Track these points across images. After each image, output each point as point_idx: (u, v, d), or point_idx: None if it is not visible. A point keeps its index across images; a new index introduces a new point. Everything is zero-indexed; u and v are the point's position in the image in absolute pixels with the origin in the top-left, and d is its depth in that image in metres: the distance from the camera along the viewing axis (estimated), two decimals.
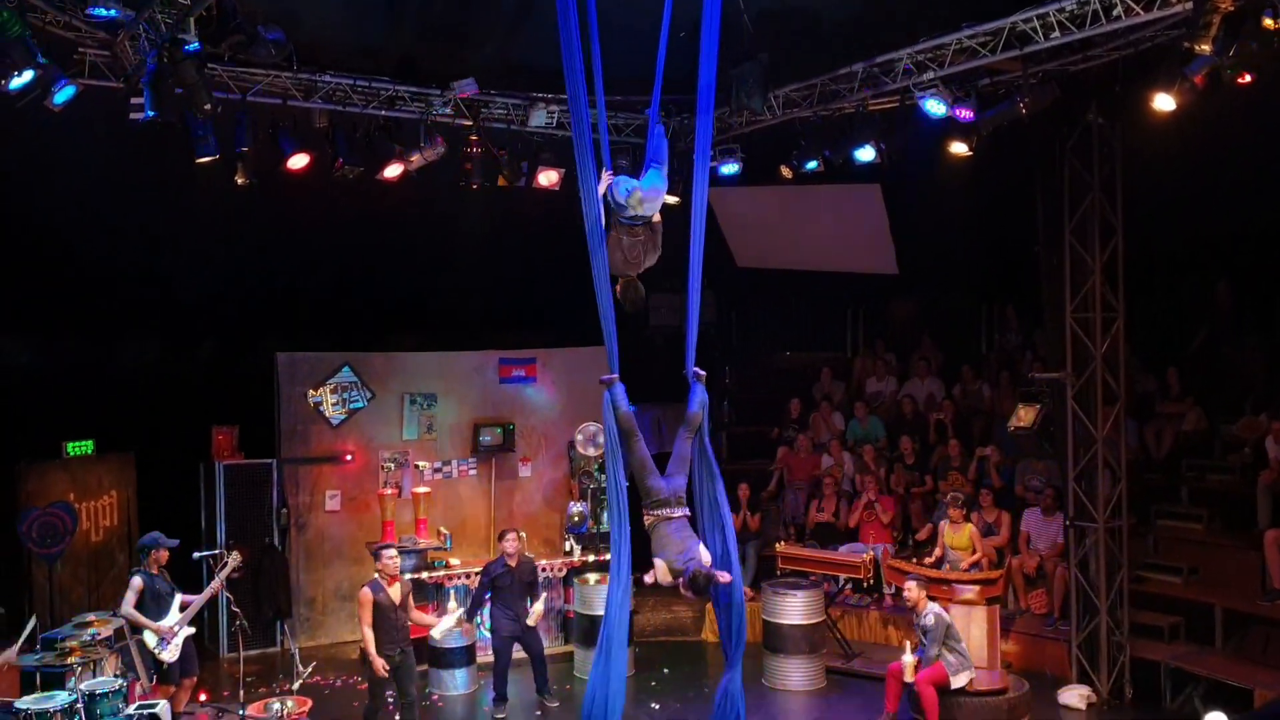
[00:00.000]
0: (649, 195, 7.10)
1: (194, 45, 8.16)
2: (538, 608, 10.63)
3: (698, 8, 7.08)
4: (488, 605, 10.87)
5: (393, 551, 9.40)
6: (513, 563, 10.68)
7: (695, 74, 7.24)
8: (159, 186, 11.13)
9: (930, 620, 9.78)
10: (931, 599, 10.00)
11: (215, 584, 9.73)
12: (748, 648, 11.23)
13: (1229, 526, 11.37)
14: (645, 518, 7.15)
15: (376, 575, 9.28)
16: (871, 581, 11.96)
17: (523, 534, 11.20)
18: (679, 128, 11.19)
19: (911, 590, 9.94)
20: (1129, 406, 11.25)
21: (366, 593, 9.15)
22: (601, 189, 7.08)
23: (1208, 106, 8.75)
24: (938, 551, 11.68)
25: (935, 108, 9.60)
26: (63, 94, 8.53)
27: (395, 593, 9.22)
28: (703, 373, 7.43)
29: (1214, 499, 11.58)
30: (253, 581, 12.45)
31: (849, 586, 12.28)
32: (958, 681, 9.72)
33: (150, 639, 9.35)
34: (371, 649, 9.07)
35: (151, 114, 8.56)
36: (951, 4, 9.21)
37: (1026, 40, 8.79)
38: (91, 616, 9.94)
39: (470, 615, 10.99)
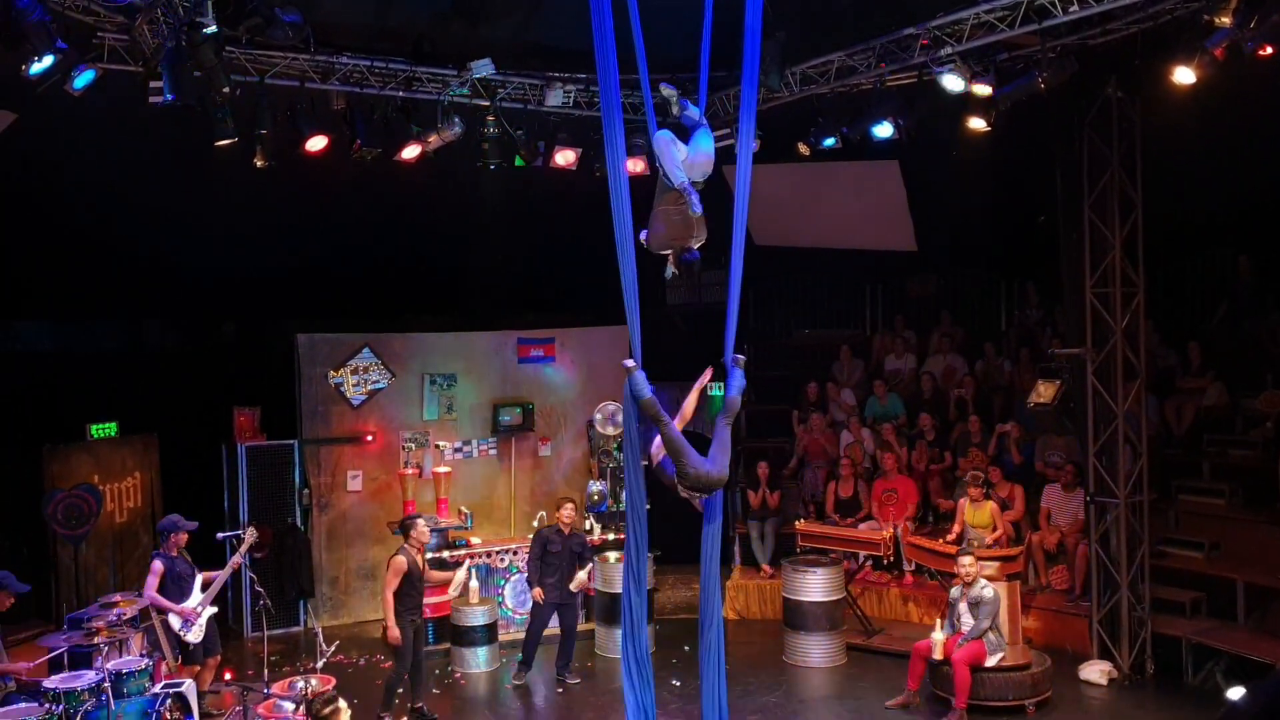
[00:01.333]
0: (702, 158, 7.04)
1: (212, 28, 8.17)
2: (581, 576, 10.81)
3: None
4: (510, 581, 11.02)
5: (424, 522, 10.00)
6: (566, 531, 10.96)
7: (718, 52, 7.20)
8: (179, 169, 11.17)
9: (989, 592, 9.75)
10: (950, 575, 10.00)
11: (234, 560, 9.84)
12: (767, 624, 11.35)
13: (1251, 501, 11.33)
14: (680, 491, 7.01)
15: (406, 545, 9.74)
16: (892, 558, 11.97)
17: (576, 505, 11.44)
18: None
19: (967, 564, 9.89)
20: (1149, 382, 11.21)
21: (401, 561, 9.61)
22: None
23: (1228, 79, 8.66)
24: (956, 528, 11.68)
25: (953, 83, 9.54)
26: (82, 78, 8.57)
27: (421, 561, 9.78)
28: (742, 358, 7.32)
29: (1235, 474, 11.55)
30: (275, 562, 12.59)
31: (869, 563, 12.29)
32: (992, 661, 9.73)
33: (175, 621, 9.45)
34: (391, 617, 9.55)
35: (170, 97, 8.56)
36: None
37: (1045, 14, 8.69)
38: (117, 597, 10.05)
39: (531, 581, 11.06)
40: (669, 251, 7.16)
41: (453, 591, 10.33)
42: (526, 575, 11.28)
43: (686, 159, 7.01)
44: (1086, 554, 11.00)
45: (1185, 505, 11.73)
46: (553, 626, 11.06)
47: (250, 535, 9.91)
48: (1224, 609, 10.77)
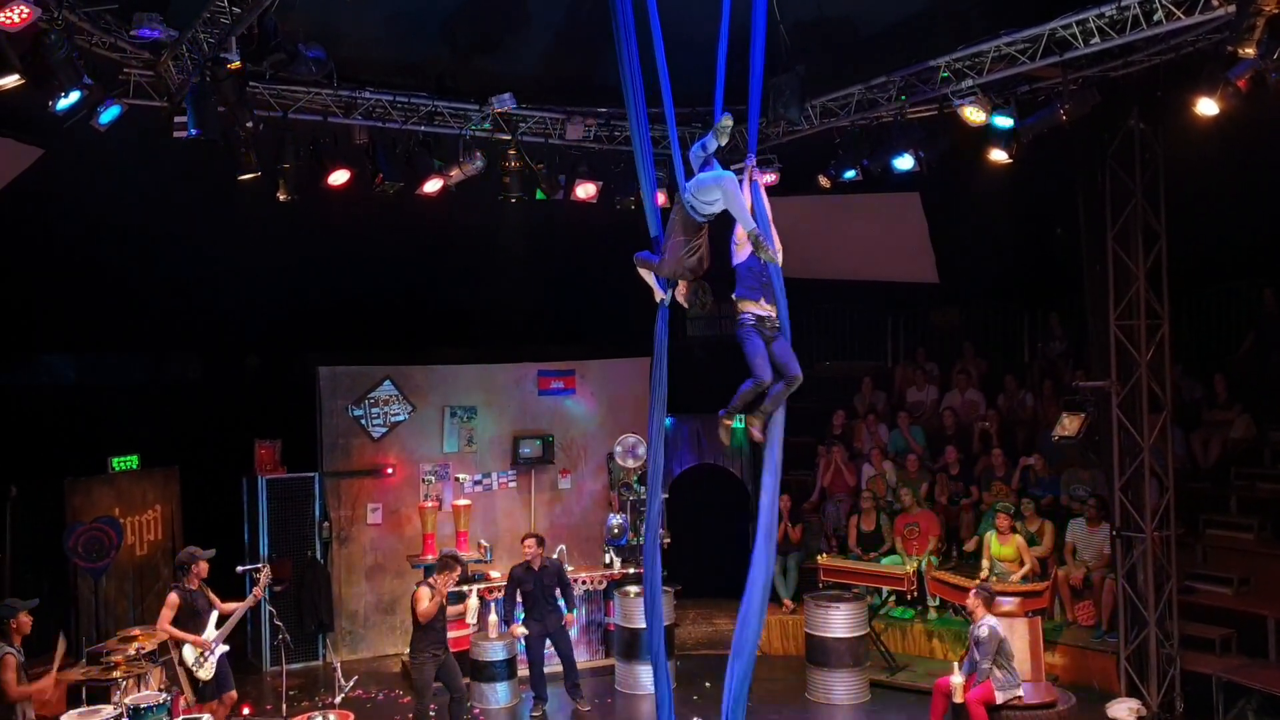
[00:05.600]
0: (710, 191, 7.04)
1: (236, 64, 8.25)
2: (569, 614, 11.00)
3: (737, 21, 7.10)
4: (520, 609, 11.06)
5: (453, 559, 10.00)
6: (535, 565, 10.94)
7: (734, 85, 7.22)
8: (202, 203, 11.26)
9: (984, 632, 9.61)
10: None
11: (251, 598, 9.67)
12: (789, 660, 11.24)
13: (1279, 535, 11.17)
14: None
15: (431, 583, 9.78)
16: (915, 594, 11.85)
17: (542, 537, 11.32)
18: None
19: (969, 599, 9.86)
20: (1175, 414, 11.10)
21: (425, 590, 9.69)
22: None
23: (1251, 110, 8.61)
24: (985, 565, 11.54)
25: (974, 115, 9.52)
26: (108, 114, 8.68)
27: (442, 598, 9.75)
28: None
29: (1264, 508, 11.39)
30: (295, 595, 12.55)
31: (892, 599, 12.17)
32: (1001, 698, 9.58)
33: (190, 654, 9.28)
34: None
35: (195, 132, 8.65)
36: (990, 11, 9.15)
37: (1066, 46, 8.69)
38: (137, 630, 10.00)
39: (506, 620, 11.18)
40: (678, 280, 7.14)
41: (469, 619, 10.34)
42: (501, 614, 11.39)
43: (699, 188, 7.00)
44: (1113, 589, 10.85)
45: (1213, 540, 11.58)
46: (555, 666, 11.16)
47: (265, 575, 9.80)
48: (1255, 646, 10.59)
